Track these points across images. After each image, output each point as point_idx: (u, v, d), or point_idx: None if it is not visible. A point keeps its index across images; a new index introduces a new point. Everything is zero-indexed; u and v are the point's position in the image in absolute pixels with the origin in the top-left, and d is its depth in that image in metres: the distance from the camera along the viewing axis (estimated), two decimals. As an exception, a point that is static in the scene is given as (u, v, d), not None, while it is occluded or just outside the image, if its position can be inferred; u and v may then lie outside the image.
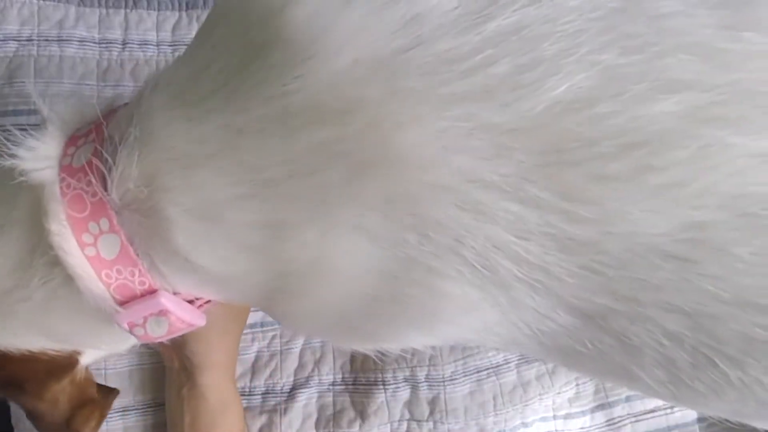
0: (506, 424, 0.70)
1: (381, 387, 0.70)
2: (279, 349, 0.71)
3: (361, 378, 0.71)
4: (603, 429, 0.72)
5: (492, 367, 0.71)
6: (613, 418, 0.72)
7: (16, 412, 0.69)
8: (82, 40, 0.74)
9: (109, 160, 0.36)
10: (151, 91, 0.38)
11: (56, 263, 0.38)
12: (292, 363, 0.71)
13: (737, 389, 0.36)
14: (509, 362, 0.72)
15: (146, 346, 0.67)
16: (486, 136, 0.31)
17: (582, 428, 0.72)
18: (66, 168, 0.38)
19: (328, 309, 0.39)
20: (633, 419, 0.72)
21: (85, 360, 0.48)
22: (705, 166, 0.31)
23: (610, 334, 0.36)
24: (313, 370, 0.71)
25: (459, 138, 0.31)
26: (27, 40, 0.73)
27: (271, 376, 0.70)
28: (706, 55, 0.31)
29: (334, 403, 0.70)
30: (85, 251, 0.38)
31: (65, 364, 0.46)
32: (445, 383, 0.70)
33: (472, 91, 0.31)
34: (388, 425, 0.69)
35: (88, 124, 0.40)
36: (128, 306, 0.40)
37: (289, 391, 0.70)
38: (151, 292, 0.39)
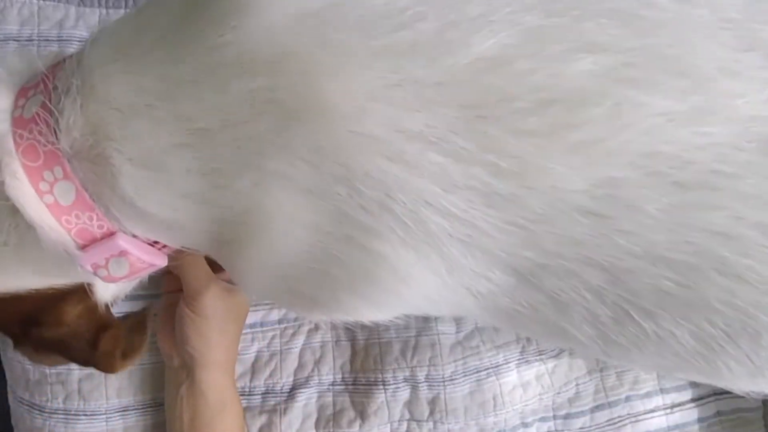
0: (506, 424, 0.70)
1: (381, 387, 0.70)
2: (279, 348, 0.71)
3: (361, 378, 0.71)
4: (603, 429, 0.72)
5: (492, 367, 0.71)
6: (613, 418, 0.72)
7: (16, 412, 0.69)
8: (82, 40, 0.74)
9: (55, 111, 0.37)
10: (92, 45, 0.39)
11: (17, 210, 0.39)
12: (291, 363, 0.71)
13: (654, 342, 0.39)
14: (509, 362, 0.71)
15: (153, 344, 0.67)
16: (413, 89, 0.32)
17: (582, 428, 0.72)
18: (17, 120, 0.39)
19: (268, 265, 0.40)
20: (633, 419, 0.72)
21: (98, 292, 0.48)
22: (618, 125, 0.32)
23: (541, 291, 0.37)
24: (312, 370, 0.71)
25: (387, 89, 0.32)
26: (27, 40, 0.73)
27: (270, 376, 0.70)
28: (623, 21, 0.33)
29: (334, 403, 0.70)
30: (43, 199, 0.39)
31: (74, 290, 0.47)
32: (445, 383, 0.70)
33: (401, 45, 0.32)
34: (388, 425, 0.69)
35: (37, 76, 0.41)
36: (89, 249, 0.41)
37: (288, 391, 0.70)
38: (110, 234, 0.41)
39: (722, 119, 0.33)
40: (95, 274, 0.42)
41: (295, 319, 0.72)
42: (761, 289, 0.35)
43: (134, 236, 0.42)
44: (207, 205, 0.38)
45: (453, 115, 0.32)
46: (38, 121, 0.38)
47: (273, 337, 0.71)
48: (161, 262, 0.45)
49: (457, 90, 0.32)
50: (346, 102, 0.32)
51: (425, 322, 0.71)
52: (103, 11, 0.76)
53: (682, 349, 0.38)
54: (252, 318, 0.70)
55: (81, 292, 0.48)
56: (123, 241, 0.41)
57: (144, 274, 0.46)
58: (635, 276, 0.35)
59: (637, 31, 0.33)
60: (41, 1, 0.74)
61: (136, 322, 0.53)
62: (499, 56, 0.32)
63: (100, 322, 0.49)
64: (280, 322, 0.72)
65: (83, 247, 0.41)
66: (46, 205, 0.39)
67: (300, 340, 0.72)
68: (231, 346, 0.65)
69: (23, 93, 0.40)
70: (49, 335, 0.48)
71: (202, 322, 0.61)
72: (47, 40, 0.73)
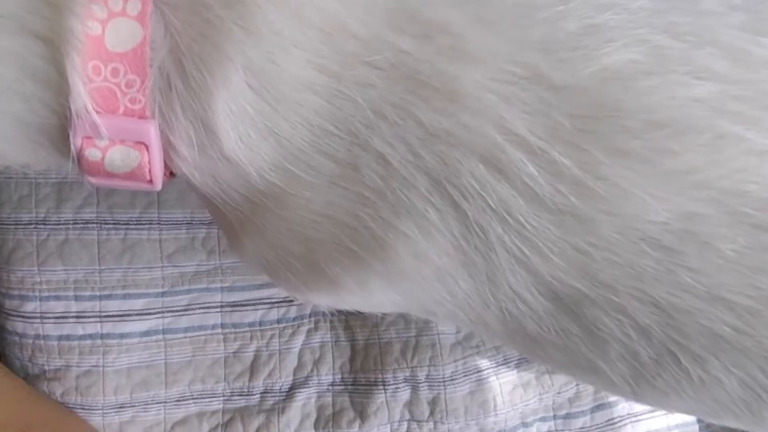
0: (506, 424, 0.70)
1: (381, 387, 0.70)
2: (278, 348, 0.71)
3: (361, 378, 0.71)
4: (603, 429, 0.72)
5: (492, 367, 0.71)
6: (614, 418, 0.72)
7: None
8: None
9: None
10: None
11: None
12: (291, 363, 0.71)
13: (696, 388, 0.37)
14: (509, 362, 0.72)
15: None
16: (533, 89, 0.31)
17: (582, 428, 0.72)
18: None
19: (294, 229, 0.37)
20: (633, 419, 0.72)
21: None
22: (716, 159, 0.31)
23: (579, 322, 0.36)
24: (312, 370, 0.71)
25: (511, 85, 0.31)
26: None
27: (269, 375, 0.70)
28: (730, 54, 0.32)
29: (334, 403, 0.70)
30: (87, 23, 0.29)
31: None
32: (446, 383, 0.70)
33: (538, 39, 0.31)
34: (388, 425, 0.69)
35: None
36: (104, 117, 0.32)
37: (287, 390, 0.70)
38: (141, 116, 0.32)
39: None
40: (77, 153, 0.33)
41: (295, 319, 0.71)
42: None
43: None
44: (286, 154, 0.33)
45: (561, 123, 0.31)
46: None
47: (272, 337, 0.71)
48: (159, 184, 0.36)
49: (574, 97, 0.31)
50: (474, 92, 0.31)
51: (425, 322, 0.71)
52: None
53: (725, 396, 0.36)
54: (251, 317, 0.70)
55: None
56: (154, 132, 0.32)
57: (128, 187, 0.36)
58: (691, 316, 0.33)
59: (743, 65, 0.32)
60: None
61: None
62: (625, 70, 0.31)
63: None
64: (279, 321, 0.71)
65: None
66: (85, 35, 0.29)
67: (299, 340, 0.71)
68: None
69: None
70: None
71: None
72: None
